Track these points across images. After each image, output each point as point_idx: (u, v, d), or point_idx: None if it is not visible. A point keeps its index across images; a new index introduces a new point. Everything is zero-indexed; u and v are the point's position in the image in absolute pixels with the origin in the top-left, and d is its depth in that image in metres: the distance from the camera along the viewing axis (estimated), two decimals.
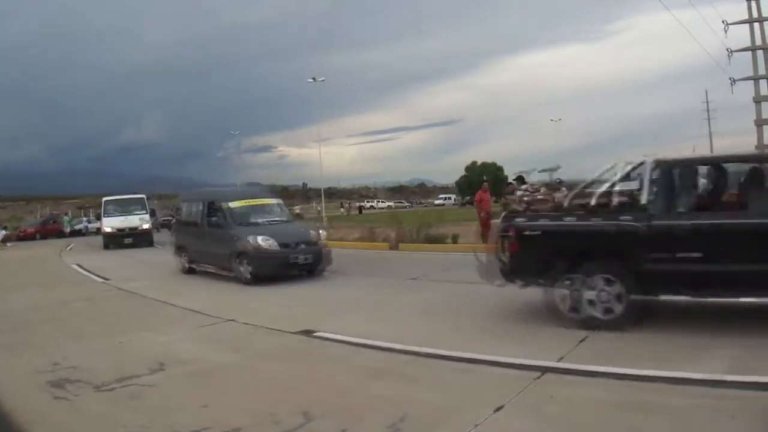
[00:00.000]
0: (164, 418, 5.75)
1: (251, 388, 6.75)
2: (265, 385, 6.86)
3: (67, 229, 63.32)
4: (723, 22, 70.73)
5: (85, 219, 73.77)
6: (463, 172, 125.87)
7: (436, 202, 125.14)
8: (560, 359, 7.02)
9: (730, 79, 72.48)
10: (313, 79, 69.39)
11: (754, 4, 68.69)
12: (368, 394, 6.29)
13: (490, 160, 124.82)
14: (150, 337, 9.66)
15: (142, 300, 13.82)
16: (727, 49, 70.81)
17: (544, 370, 6.66)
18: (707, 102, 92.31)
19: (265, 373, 7.37)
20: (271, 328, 9.79)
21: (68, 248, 37.51)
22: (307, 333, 9.25)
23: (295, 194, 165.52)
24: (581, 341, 7.78)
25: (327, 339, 8.85)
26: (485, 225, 22.50)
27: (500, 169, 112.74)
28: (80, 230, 63.38)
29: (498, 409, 5.53)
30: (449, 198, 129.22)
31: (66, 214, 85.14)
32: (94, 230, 64.14)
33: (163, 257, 26.74)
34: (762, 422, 5.02)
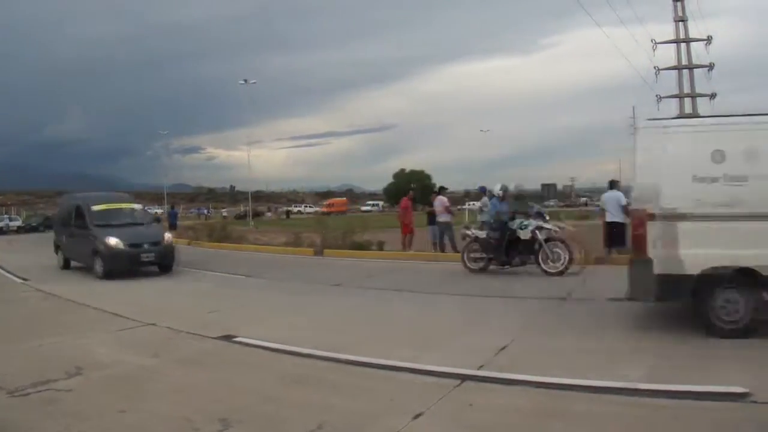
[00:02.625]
0: (80, 425, 5.67)
1: (170, 393, 6.68)
2: (184, 390, 6.77)
3: None
4: (652, 41, 72.32)
5: (6, 217, 71.94)
6: (391, 179, 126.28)
7: (363, 208, 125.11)
8: (480, 367, 7.12)
9: (656, 96, 74.37)
10: (245, 80, 69.29)
11: (681, 26, 70.67)
12: (288, 400, 6.28)
13: (419, 168, 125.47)
14: (69, 340, 9.49)
15: (62, 302, 13.58)
16: (655, 67, 72.65)
17: (464, 377, 6.75)
18: (634, 117, 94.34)
19: (184, 379, 7.28)
20: (193, 333, 9.69)
21: None
22: (228, 338, 9.20)
23: (222, 197, 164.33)
24: (501, 349, 7.90)
25: (248, 344, 8.81)
26: (407, 232, 22.67)
27: (428, 177, 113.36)
28: (1, 228, 61.75)
29: (417, 416, 5.58)
30: (377, 204, 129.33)
31: None
32: (15, 228, 62.96)
33: None
34: (672, 430, 5.16)
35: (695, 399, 5.83)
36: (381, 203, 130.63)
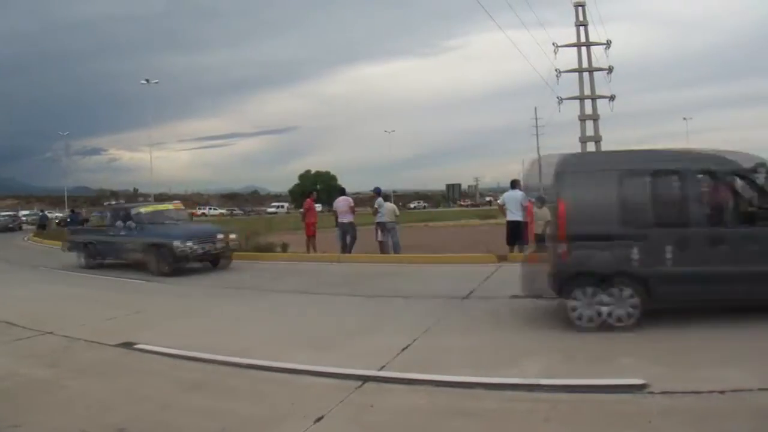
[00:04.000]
0: None
1: (66, 404, 6.52)
2: (81, 401, 6.60)
3: None
4: (553, 44, 74.30)
5: None
6: (296, 181, 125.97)
7: (269, 210, 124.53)
8: (382, 368, 7.17)
9: (557, 98, 76.17)
10: (146, 80, 68.32)
11: (582, 30, 72.48)
12: (187, 407, 6.23)
13: (324, 169, 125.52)
14: None
15: None
16: (556, 70, 74.31)
17: (366, 379, 6.78)
18: (536, 118, 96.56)
19: (81, 389, 7.10)
20: (91, 341, 9.47)
21: None
22: (127, 345, 9.03)
23: (126, 200, 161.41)
24: (403, 349, 7.97)
25: (147, 351, 8.66)
26: (311, 234, 22.70)
27: (334, 178, 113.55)
28: None
29: (318, 419, 5.59)
30: (282, 206, 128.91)
31: None
32: None
33: None
34: (570, 424, 5.24)
35: (595, 392, 6.01)
36: (286, 205, 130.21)
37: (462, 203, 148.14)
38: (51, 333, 10.21)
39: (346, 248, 21.27)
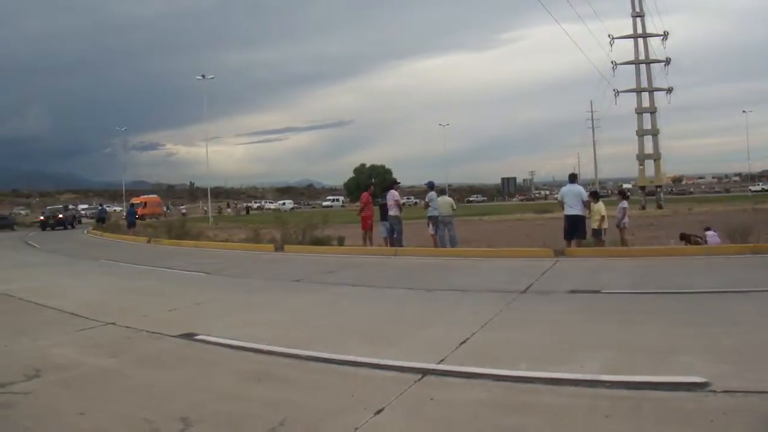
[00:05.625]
0: (39, 428, 5.58)
1: (130, 394, 6.56)
2: (144, 390, 6.66)
3: None
4: (609, 36, 73.58)
5: None
6: (351, 174, 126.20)
7: (324, 203, 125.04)
8: (441, 361, 7.11)
9: (614, 90, 75.42)
10: (203, 76, 68.90)
11: (638, 21, 71.57)
12: (248, 397, 6.23)
13: (379, 163, 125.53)
14: (26, 342, 9.30)
15: (18, 303, 13.32)
16: (612, 62, 73.59)
17: (425, 372, 6.73)
18: (592, 112, 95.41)
19: (144, 379, 7.16)
20: (152, 332, 9.56)
21: None
22: (188, 336, 9.10)
23: (182, 193, 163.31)
24: (462, 343, 7.90)
25: (208, 342, 8.72)
26: (367, 227, 22.77)
27: (388, 171, 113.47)
28: None
29: (378, 411, 5.55)
30: (337, 200, 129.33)
31: None
32: None
33: (40, 258, 26.17)
34: (633, 421, 5.18)
35: (655, 389, 5.85)
36: (341, 198, 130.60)
37: (519, 197, 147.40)
38: (113, 324, 10.34)
39: (393, 242, 21.33)
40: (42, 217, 64.64)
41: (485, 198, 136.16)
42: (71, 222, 65.52)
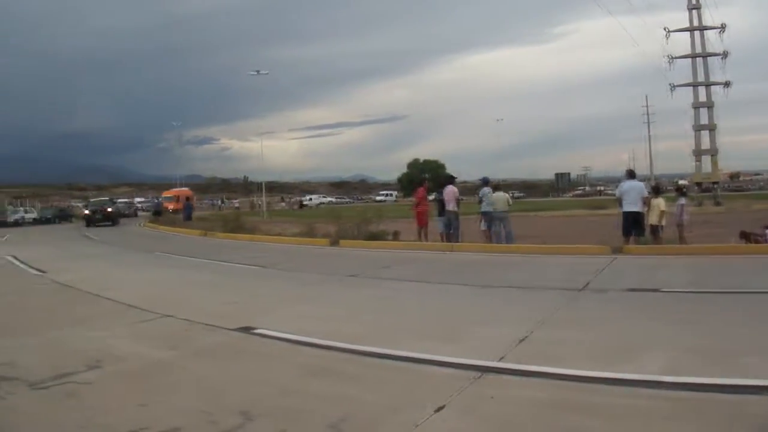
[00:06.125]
0: (101, 418, 5.62)
1: (189, 386, 6.62)
2: (203, 383, 6.72)
3: (11, 219, 62.39)
4: (664, 29, 72.52)
5: (21, 209, 72.20)
6: (405, 169, 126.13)
7: (377, 198, 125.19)
8: (500, 359, 7.04)
9: (669, 84, 74.34)
10: (257, 71, 69.06)
11: (694, 14, 70.42)
12: (308, 392, 6.22)
13: (432, 158, 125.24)
14: (86, 332, 9.45)
15: (77, 294, 13.56)
16: (668, 56, 72.52)
17: (485, 369, 6.66)
18: (647, 106, 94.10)
19: (203, 371, 7.22)
20: (210, 325, 9.63)
21: (3, 239, 36.87)
22: (246, 329, 9.14)
23: (236, 187, 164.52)
24: (521, 341, 7.81)
25: (266, 336, 8.75)
26: (423, 223, 22.77)
27: (441, 166, 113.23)
28: (16, 221, 62.19)
29: (439, 409, 5.51)
30: (390, 194, 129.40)
31: (10, 203, 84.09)
32: (30, 220, 63.69)
33: (97, 249, 26.53)
34: (695, 423, 5.09)
35: (718, 392, 5.72)
36: (394, 193, 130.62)
37: (572, 192, 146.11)
38: (171, 316, 10.44)
39: (450, 237, 21.30)
40: (86, 212, 54.56)
41: (522, 194, 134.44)
42: (121, 216, 58.82)
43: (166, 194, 79.81)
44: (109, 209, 54.96)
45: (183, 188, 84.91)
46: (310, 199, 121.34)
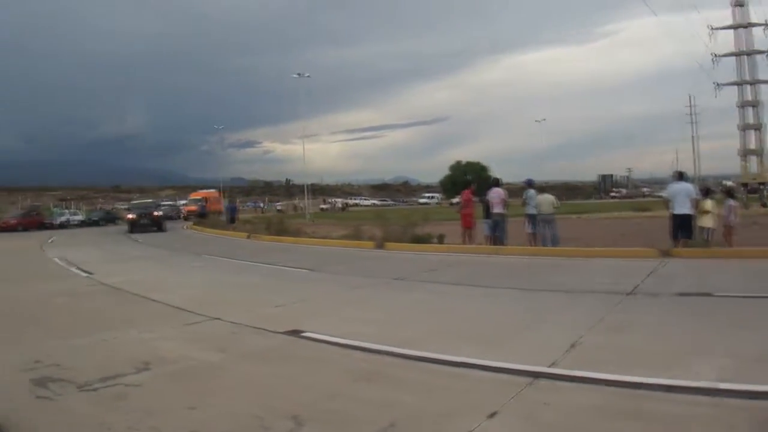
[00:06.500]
0: (151, 420, 5.61)
1: (238, 390, 6.59)
2: (252, 387, 6.69)
3: (57, 221, 63.33)
4: (709, 27, 71.59)
5: (68, 211, 73.15)
6: (447, 171, 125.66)
7: (420, 201, 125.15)
8: (552, 364, 6.93)
9: (714, 83, 73.41)
10: (299, 74, 69.38)
11: (739, 11, 69.46)
12: (358, 397, 6.16)
13: (474, 160, 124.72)
14: (134, 334, 9.50)
15: (125, 296, 13.66)
16: (713, 54, 71.64)
17: (537, 375, 6.56)
18: (691, 105, 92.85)
19: (252, 375, 7.20)
20: (258, 328, 9.63)
21: (50, 241, 37.36)
22: (294, 333, 9.10)
23: (278, 190, 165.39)
24: (572, 346, 7.68)
25: (314, 339, 8.70)
26: (469, 225, 22.66)
27: (484, 168, 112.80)
28: (62, 223, 63.12)
29: (492, 415, 5.42)
30: (433, 197, 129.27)
31: (57, 206, 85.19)
32: (77, 223, 64.55)
33: (143, 251, 26.73)
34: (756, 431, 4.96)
35: None
36: (437, 196, 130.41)
37: (614, 193, 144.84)
38: (218, 319, 10.46)
39: (496, 240, 21.17)
40: (131, 216, 48.16)
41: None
42: (167, 219, 54.43)
43: (193, 196, 79.06)
44: (156, 213, 49.49)
45: (210, 190, 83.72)
46: (355, 204, 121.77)
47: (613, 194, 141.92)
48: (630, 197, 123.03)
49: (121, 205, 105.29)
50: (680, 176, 18.49)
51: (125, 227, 48.51)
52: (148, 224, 46.39)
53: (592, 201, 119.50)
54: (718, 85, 73.58)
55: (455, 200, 60.04)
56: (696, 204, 17.62)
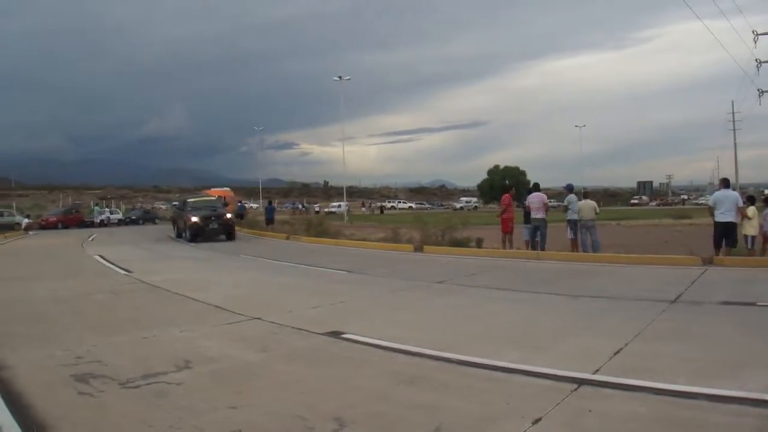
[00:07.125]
0: (193, 419, 5.60)
1: (280, 390, 6.56)
2: (294, 387, 6.65)
3: (97, 219, 64.10)
4: (753, 32, 70.66)
5: (107, 210, 73.76)
6: (485, 176, 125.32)
7: (458, 205, 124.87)
8: (596, 371, 6.82)
9: (758, 90, 72.46)
10: (339, 77, 69.62)
11: None
12: (401, 400, 6.09)
13: (512, 164, 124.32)
14: (175, 333, 9.55)
15: (165, 294, 13.78)
16: (756, 60, 70.80)
17: (581, 382, 6.46)
18: (733, 112, 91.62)
19: (294, 375, 7.15)
20: (298, 328, 9.63)
21: (90, 239, 37.73)
22: (335, 334, 9.08)
23: (316, 191, 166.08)
24: (616, 353, 7.57)
25: (355, 341, 8.67)
26: (508, 230, 22.58)
27: (522, 173, 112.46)
28: (102, 221, 63.87)
29: (536, 421, 5.34)
30: (470, 201, 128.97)
31: (97, 204, 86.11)
32: (116, 221, 65.31)
33: (182, 251, 26.89)
34: None
35: None
36: (474, 200, 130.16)
37: (656, 201, 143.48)
38: (259, 319, 10.48)
39: (536, 245, 21.06)
40: (194, 219, 33.79)
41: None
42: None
43: (207, 193, 74.99)
44: (228, 215, 36.20)
45: (224, 188, 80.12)
46: (392, 207, 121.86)
47: (633, 201, 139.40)
48: (669, 204, 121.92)
49: (160, 204, 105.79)
50: (725, 183, 18.27)
51: (165, 226, 46.88)
52: (217, 230, 34.26)
53: (623, 207, 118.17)
54: (761, 91, 72.63)
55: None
56: (741, 212, 17.38)
